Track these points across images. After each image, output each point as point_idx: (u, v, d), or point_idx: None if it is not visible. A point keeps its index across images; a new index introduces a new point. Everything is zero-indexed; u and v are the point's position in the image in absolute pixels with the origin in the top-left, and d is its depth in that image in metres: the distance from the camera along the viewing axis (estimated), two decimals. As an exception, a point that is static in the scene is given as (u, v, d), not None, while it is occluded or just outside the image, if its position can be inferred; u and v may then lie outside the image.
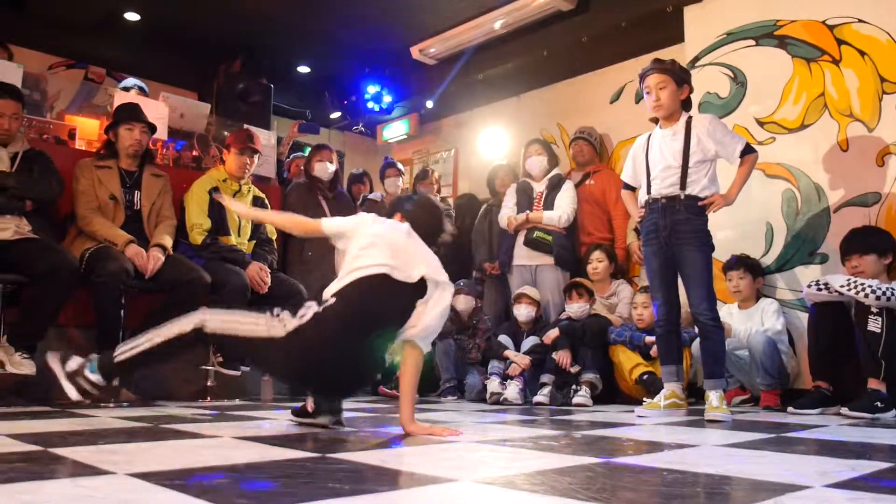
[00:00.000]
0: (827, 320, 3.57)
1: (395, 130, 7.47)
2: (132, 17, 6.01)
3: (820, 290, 3.55)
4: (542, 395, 4.03)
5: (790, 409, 3.50)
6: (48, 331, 3.39)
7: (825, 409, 3.45)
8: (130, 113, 3.88)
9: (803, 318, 3.90)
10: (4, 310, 3.37)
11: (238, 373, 3.89)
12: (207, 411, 3.17)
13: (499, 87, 6.35)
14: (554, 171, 4.97)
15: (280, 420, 2.90)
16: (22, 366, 3.22)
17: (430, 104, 6.87)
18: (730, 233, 4.27)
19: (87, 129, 4.41)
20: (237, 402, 3.92)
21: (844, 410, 3.23)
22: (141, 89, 5.13)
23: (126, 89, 5.02)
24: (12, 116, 3.47)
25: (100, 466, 1.56)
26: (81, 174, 3.72)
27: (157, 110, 4.41)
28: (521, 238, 4.82)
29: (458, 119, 7.15)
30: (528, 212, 4.82)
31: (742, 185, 3.31)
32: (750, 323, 4.05)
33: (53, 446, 1.87)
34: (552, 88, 6.19)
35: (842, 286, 3.42)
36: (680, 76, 3.37)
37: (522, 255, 4.82)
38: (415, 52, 6.24)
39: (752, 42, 4.51)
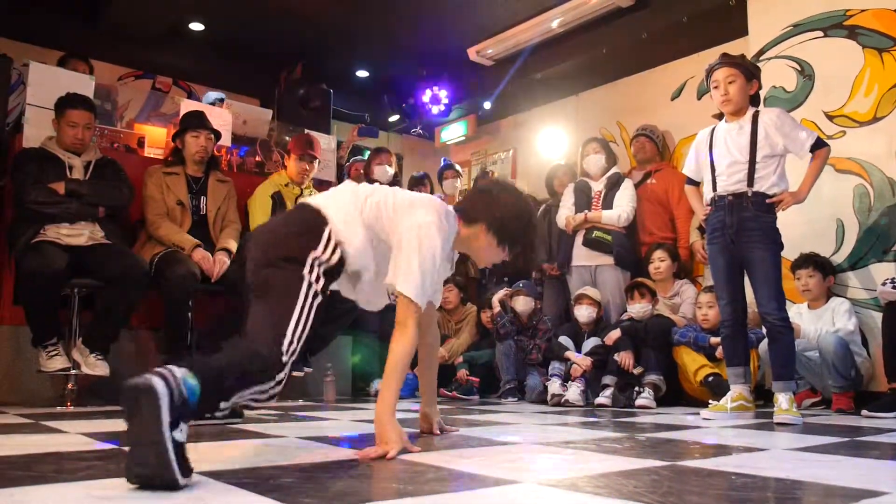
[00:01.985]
0: (903, 319, 3.42)
1: (453, 132, 7.49)
2: (196, 27, 6.18)
3: (895, 287, 3.41)
4: (604, 397, 3.98)
5: (864, 412, 3.36)
6: (120, 333, 3.52)
7: (903, 413, 3.30)
8: (196, 120, 3.99)
9: (877, 317, 3.75)
10: (80, 313, 3.51)
11: (301, 374, 3.96)
12: (272, 412, 3.23)
13: (557, 86, 6.30)
14: (612, 170, 4.90)
15: (342, 420, 2.94)
16: (97, 367, 3.36)
17: (487, 105, 6.85)
18: (799, 230, 4.13)
19: (155, 137, 4.56)
20: (300, 402, 3.98)
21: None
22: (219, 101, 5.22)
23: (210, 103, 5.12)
24: (85, 126, 3.62)
25: (171, 464, 1.61)
26: (150, 181, 3.84)
27: (222, 117, 4.53)
28: (579, 238, 4.77)
29: (516, 119, 7.11)
30: (586, 211, 4.77)
31: (814, 181, 3.20)
32: (820, 323, 3.92)
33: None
34: (611, 86, 6.10)
35: (920, 284, 3.29)
36: (749, 71, 3.27)
37: (582, 256, 4.77)
38: (472, 53, 6.24)
39: (820, 33, 4.36)
